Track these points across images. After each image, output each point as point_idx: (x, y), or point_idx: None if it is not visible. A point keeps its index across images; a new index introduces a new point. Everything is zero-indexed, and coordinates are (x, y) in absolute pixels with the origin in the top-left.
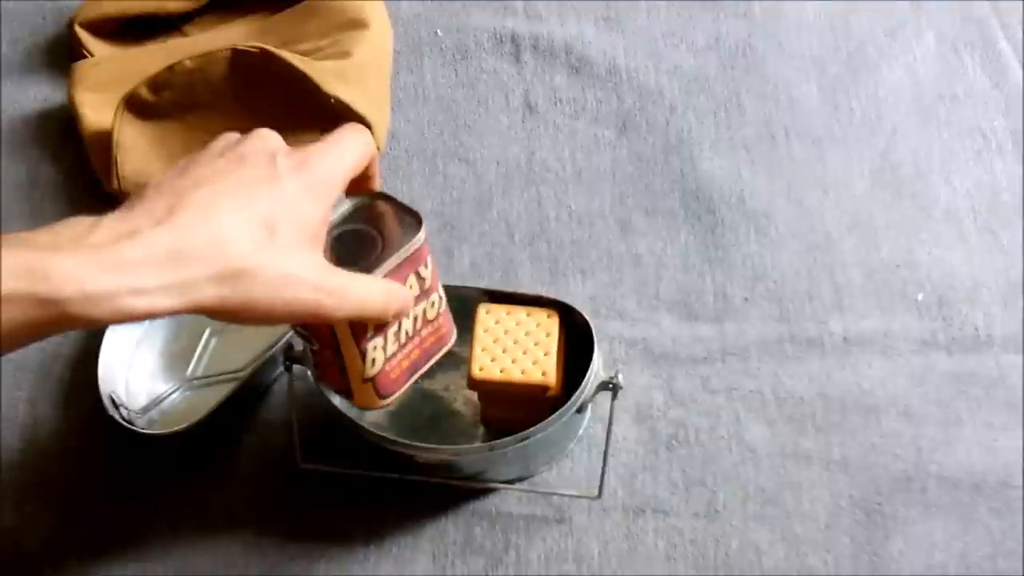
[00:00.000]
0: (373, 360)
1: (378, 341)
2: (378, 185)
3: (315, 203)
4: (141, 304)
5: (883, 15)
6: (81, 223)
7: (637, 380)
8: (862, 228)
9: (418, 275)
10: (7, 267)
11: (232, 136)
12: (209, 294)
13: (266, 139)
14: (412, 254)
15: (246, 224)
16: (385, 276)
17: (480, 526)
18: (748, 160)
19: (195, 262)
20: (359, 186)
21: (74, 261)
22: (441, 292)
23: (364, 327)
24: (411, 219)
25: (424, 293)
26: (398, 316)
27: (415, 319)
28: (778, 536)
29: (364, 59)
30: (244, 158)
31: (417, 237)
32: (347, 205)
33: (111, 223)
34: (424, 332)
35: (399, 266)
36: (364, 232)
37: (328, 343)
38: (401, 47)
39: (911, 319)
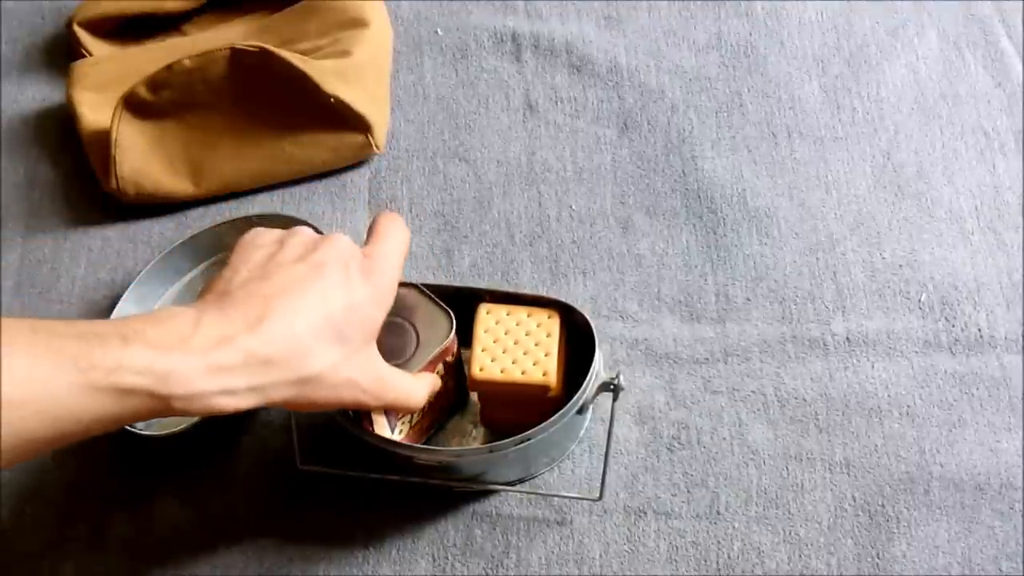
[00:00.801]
0: (400, 431)
1: (406, 419)
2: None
3: (380, 309)
4: (229, 403)
5: (885, 14)
6: (185, 319)
7: (639, 381)
8: (864, 228)
9: (446, 363)
10: (132, 364)
11: (308, 236)
12: (283, 394)
13: (341, 246)
14: (444, 349)
15: (322, 334)
16: (420, 369)
17: (480, 528)
18: (750, 160)
19: (277, 368)
20: None
21: (184, 364)
22: (460, 361)
23: (396, 413)
24: (442, 314)
25: (448, 373)
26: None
27: (438, 393)
28: (780, 538)
29: (364, 58)
30: (322, 267)
31: (449, 337)
32: None
33: (211, 324)
34: (443, 397)
35: (432, 360)
36: (400, 325)
37: (362, 415)
38: (401, 46)
39: (914, 319)
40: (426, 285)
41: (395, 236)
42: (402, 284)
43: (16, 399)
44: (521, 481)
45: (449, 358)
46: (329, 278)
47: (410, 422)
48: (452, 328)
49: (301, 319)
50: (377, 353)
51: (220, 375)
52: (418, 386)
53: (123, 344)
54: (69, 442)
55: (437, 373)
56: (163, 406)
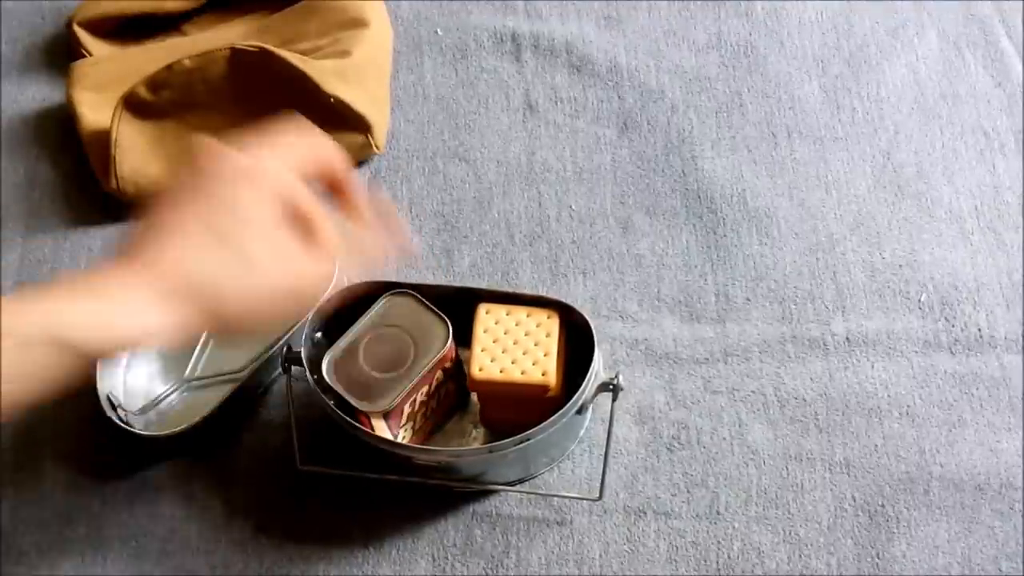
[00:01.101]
0: (404, 438)
1: (409, 424)
2: (353, 186)
3: (264, 207)
4: (137, 332)
5: (885, 14)
6: (83, 273)
7: (638, 381)
8: (864, 228)
9: (444, 369)
10: (30, 314)
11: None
12: (200, 323)
13: (222, 168)
14: (441, 357)
15: (222, 259)
16: (419, 379)
17: (480, 528)
18: (750, 160)
19: (184, 299)
20: (336, 191)
21: (85, 307)
22: (460, 362)
23: (398, 418)
24: (439, 321)
25: (448, 378)
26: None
27: (439, 397)
28: (780, 538)
29: (364, 58)
30: (209, 196)
31: (447, 344)
32: (381, 304)
33: (111, 267)
34: (444, 401)
35: (431, 369)
36: (397, 334)
37: (365, 423)
38: (401, 46)
39: (913, 319)
40: (425, 286)
41: (289, 142)
42: (398, 292)
43: None
44: (521, 481)
45: (447, 364)
46: (215, 209)
47: (413, 428)
48: (449, 335)
49: (198, 250)
50: (287, 242)
51: (126, 311)
52: (331, 263)
53: (19, 301)
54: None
55: (436, 378)
56: (72, 354)
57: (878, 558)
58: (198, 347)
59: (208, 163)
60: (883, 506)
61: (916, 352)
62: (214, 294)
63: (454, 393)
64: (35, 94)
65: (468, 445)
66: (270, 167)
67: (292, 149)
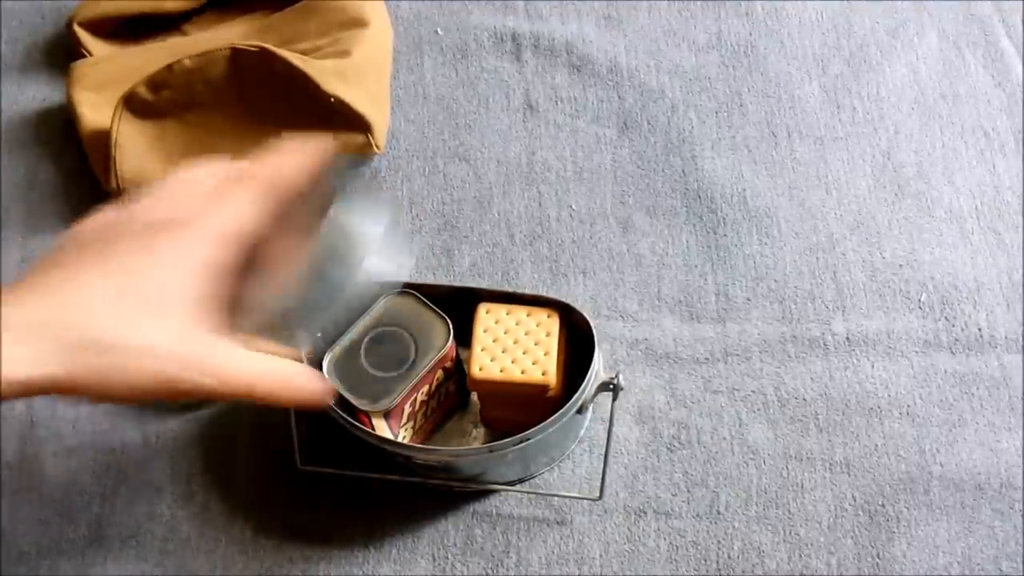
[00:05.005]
0: (404, 438)
1: (409, 424)
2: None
3: (188, 267)
4: None
5: (885, 14)
6: None
7: (639, 381)
8: (864, 228)
9: (445, 368)
10: None
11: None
12: (58, 365)
13: (144, 206)
14: (441, 356)
15: (113, 294)
16: (419, 378)
17: (480, 528)
18: (750, 159)
19: (52, 331)
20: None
21: None
22: (460, 362)
23: (398, 417)
24: (439, 320)
25: (448, 377)
26: (310, 400)
27: (440, 397)
28: (780, 538)
29: (364, 58)
30: (120, 227)
31: (447, 343)
32: (381, 304)
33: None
34: (445, 400)
35: (431, 368)
36: (398, 334)
37: (365, 423)
38: (401, 46)
39: (914, 319)
40: (425, 285)
41: (234, 202)
42: (398, 292)
43: None
44: (521, 481)
45: (448, 364)
46: (128, 239)
47: (414, 427)
48: (450, 335)
49: (87, 277)
50: (208, 328)
51: None
52: (278, 371)
53: None
54: None
55: (436, 378)
56: None
57: (878, 558)
58: None
59: (135, 208)
60: (883, 506)
61: (916, 352)
62: (99, 337)
63: (454, 393)
64: (35, 94)
65: (468, 445)
66: (208, 224)
67: (246, 213)
